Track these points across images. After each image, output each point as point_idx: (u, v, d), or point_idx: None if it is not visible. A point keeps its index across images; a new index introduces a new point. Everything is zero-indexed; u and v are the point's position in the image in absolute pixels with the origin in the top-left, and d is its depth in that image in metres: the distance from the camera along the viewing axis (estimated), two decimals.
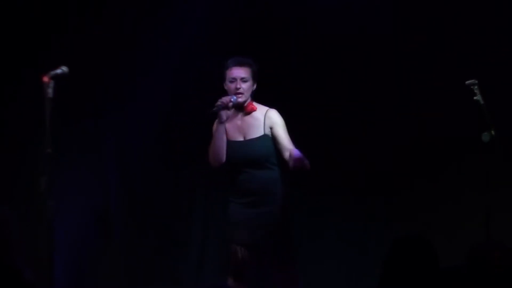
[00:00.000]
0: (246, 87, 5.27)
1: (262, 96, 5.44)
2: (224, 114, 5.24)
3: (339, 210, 6.70)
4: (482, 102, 5.27)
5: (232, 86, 5.28)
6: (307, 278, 6.54)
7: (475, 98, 5.28)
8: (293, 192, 5.66)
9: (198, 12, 6.82)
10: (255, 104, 5.37)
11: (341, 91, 6.70)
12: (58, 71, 4.85)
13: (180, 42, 6.81)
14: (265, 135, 5.30)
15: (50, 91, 4.76)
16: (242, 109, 5.33)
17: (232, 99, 5.22)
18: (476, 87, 5.28)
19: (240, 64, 5.30)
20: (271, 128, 5.29)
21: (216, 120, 5.28)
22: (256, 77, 5.33)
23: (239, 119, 5.35)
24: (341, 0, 6.69)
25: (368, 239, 6.65)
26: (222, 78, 5.35)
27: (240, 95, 5.26)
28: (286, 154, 5.21)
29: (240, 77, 5.28)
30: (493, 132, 5.23)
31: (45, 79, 4.77)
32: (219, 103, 5.18)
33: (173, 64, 6.82)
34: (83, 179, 6.77)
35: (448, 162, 6.59)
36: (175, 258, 6.89)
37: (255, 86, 5.35)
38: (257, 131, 5.30)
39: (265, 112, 5.33)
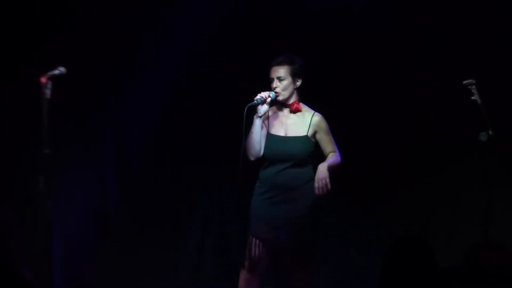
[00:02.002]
0: (283, 86, 5.35)
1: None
2: (262, 108, 5.31)
3: (338, 210, 6.68)
4: (479, 101, 5.27)
5: (272, 85, 5.38)
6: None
7: (472, 98, 5.28)
8: None
9: (198, 12, 6.83)
10: (301, 104, 5.43)
11: (341, 91, 6.71)
12: (56, 71, 4.86)
13: (180, 41, 6.84)
14: (307, 137, 5.37)
15: (48, 92, 4.77)
16: (287, 106, 5.41)
17: (270, 95, 5.31)
18: (473, 86, 5.28)
19: (278, 63, 5.39)
20: (315, 132, 5.37)
21: (255, 115, 5.34)
22: (299, 74, 5.39)
23: (284, 115, 5.44)
24: (341, 0, 6.71)
25: (367, 239, 6.65)
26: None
27: (277, 94, 5.35)
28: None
29: (277, 76, 5.37)
30: (491, 132, 5.23)
31: (43, 79, 4.78)
32: (258, 97, 5.29)
33: (173, 64, 6.83)
34: (82, 179, 6.78)
35: (446, 162, 6.60)
36: (174, 258, 6.89)
37: (298, 83, 5.40)
38: (301, 131, 5.38)
39: (312, 115, 5.41)
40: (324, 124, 5.41)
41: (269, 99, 5.31)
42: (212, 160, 6.81)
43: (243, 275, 5.40)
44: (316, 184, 5.19)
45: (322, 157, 5.43)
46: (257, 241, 5.33)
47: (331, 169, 5.29)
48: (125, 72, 6.81)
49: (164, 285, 6.79)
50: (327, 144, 5.39)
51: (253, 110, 5.31)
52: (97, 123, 6.86)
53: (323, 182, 5.18)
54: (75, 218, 6.69)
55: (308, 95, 6.56)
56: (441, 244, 4.45)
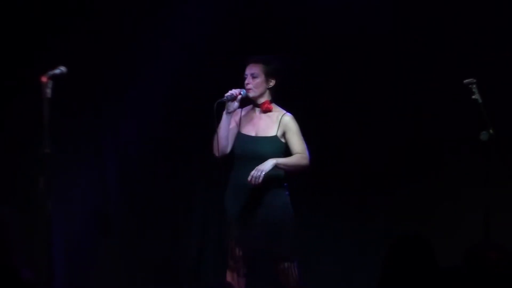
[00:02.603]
0: (255, 83, 5.37)
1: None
2: (231, 105, 5.33)
3: (337, 210, 6.69)
4: (480, 101, 5.25)
5: (245, 82, 5.39)
6: (306, 278, 6.56)
7: (473, 97, 5.26)
8: (291, 192, 5.64)
9: (198, 12, 6.82)
10: (273, 105, 5.43)
11: (339, 91, 6.70)
12: (57, 71, 4.85)
13: (180, 41, 6.81)
14: (276, 137, 5.37)
15: (48, 91, 4.77)
16: (259, 106, 5.43)
17: (241, 92, 5.34)
18: (474, 86, 5.26)
19: (254, 61, 5.42)
20: (284, 132, 5.36)
21: (224, 111, 5.35)
22: (272, 74, 5.41)
23: (255, 115, 5.45)
24: (341, 0, 6.69)
25: (366, 239, 6.62)
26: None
27: (249, 90, 5.35)
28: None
29: (250, 73, 5.40)
30: (491, 131, 5.21)
31: (44, 79, 4.77)
32: (228, 93, 5.30)
33: (173, 64, 6.81)
34: (82, 179, 6.76)
35: (446, 162, 6.58)
36: (174, 257, 6.88)
37: (271, 83, 5.41)
38: (270, 131, 5.38)
39: (281, 115, 5.40)
40: (293, 124, 5.39)
41: (239, 96, 5.34)
42: (212, 160, 6.71)
43: (228, 275, 5.42)
44: (252, 172, 5.16)
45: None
46: (235, 241, 5.36)
47: (286, 168, 5.28)
48: (125, 71, 6.80)
49: (164, 284, 6.78)
50: (294, 144, 5.36)
51: (222, 107, 5.35)
52: (97, 123, 6.85)
53: (258, 173, 5.14)
54: (75, 218, 6.67)
55: (307, 95, 6.59)
56: (441, 244, 4.40)
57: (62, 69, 4.87)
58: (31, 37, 6.58)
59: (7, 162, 6.58)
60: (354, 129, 6.70)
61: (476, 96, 5.25)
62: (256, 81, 5.37)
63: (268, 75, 5.40)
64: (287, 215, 5.37)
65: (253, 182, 5.16)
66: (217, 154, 5.38)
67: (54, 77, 4.81)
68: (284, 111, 5.44)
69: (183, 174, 6.93)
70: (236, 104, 5.35)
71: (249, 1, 6.80)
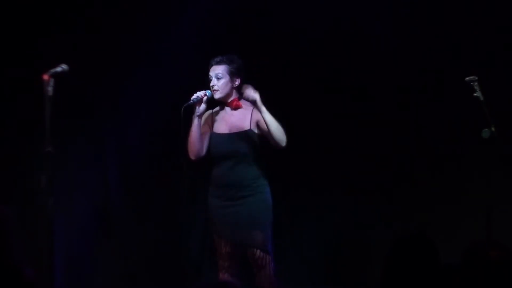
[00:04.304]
0: (221, 84, 5.40)
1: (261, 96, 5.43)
2: (199, 108, 5.39)
3: (338, 209, 6.69)
4: (482, 98, 5.25)
5: (210, 84, 5.42)
6: (309, 278, 6.55)
7: (475, 94, 5.26)
8: (292, 192, 5.65)
9: (198, 12, 6.84)
10: (242, 101, 5.46)
11: (341, 89, 6.70)
12: (58, 69, 4.89)
13: (184, 41, 6.85)
14: (250, 130, 5.41)
15: (50, 89, 4.80)
16: (228, 104, 5.46)
17: (207, 93, 5.39)
18: (476, 83, 5.26)
19: (217, 62, 5.46)
20: (258, 123, 5.38)
21: (193, 115, 5.40)
22: (236, 73, 5.44)
23: (226, 113, 5.49)
24: (340, 0, 6.69)
25: (368, 237, 6.62)
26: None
27: (215, 91, 5.40)
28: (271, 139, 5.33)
29: (215, 74, 5.43)
30: (493, 129, 5.21)
31: (45, 77, 4.80)
32: (194, 96, 5.36)
33: (175, 63, 6.83)
34: (84, 178, 6.80)
35: (448, 160, 6.55)
36: (175, 256, 6.89)
37: (237, 83, 5.44)
38: (243, 125, 5.42)
39: (252, 108, 5.41)
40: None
41: (205, 98, 5.38)
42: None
43: (221, 277, 5.44)
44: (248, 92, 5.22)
45: (270, 156, 5.42)
46: (220, 241, 5.41)
47: (267, 116, 5.24)
48: (128, 70, 6.82)
49: (165, 284, 6.80)
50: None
51: (192, 110, 5.36)
52: (99, 122, 6.87)
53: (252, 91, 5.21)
54: (77, 217, 6.70)
55: (308, 95, 6.59)
56: (443, 243, 4.41)
57: (63, 67, 4.91)
58: (32, 35, 6.60)
59: (8, 161, 6.60)
60: (355, 127, 6.68)
61: (477, 93, 5.26)
62: (221, 82, 5.41)
63: (232, 75, 5.43)
64: (264, 208, 5.38)
65: (246, 90, 5.22)
66: (192, 158, 5.44)
67: (55, 75, 4.84)
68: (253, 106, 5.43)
69: (184, 172, 6.89)
70: (203, 106, 5.40)
71: (248, 2, 6.84)
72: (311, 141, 6.65)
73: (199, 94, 5.36)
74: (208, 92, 5.39)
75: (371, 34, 6.69)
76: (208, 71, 5.46)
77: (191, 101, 5.34)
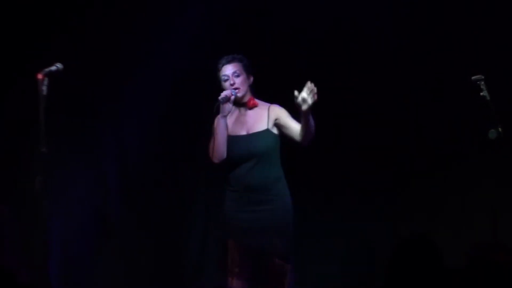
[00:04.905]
0: (240, 81, 5.26)
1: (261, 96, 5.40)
2: (226, 107, 5.20)
3: (343, 210, 6.66)
4: (488, 98, 5.16)
5: (226, 84, 5.27)
6: (312, 279, 6.52)
7: (481, 93, 5.17)
8: (295, 193, 5.56)
9: (197, 12, 6.83)
10: (256, 100, 5.32)
11: (345, 88, 6.67)
12: (53, 68, 4.82)
13: (182, 41, 6.83)
14: (268, 130, 5.24)
15: (44, 89, 4.73)
16: (244, 104, 5.31)
17: (232, 93, 5.21)
18: (482, 82, 5.16)
19: (229, 61, 5.31)
20: (276, 120, 5.24)
21: (218, 115, 5.21)
22: (249, 70, 5.33)
23: (242, 114, 5.32)
24: (340, 0, 6.68)
25: (372, 239, 6.60)
26: (218, 81, 5.32)
27: (237, 90, 5.24)
28: (298, 136, 5.14)
29: (232, 72, 5.28)
30: (500, 129, 5.12)
31: (40, 76, 4.73)
32: (222, 96, 5.17)
33: (174, 62, 6.81)
34: (81, 179, 6.74)
35: (454, 160, 6.50)
36: (175, 258, 6.86)
37: (251, 80, 5.32)
38: (261, 126, 5.25)
39: (268, 107, 5.29)
40: (282, 111, 5.26)
41: (232, 97, 5.21)
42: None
43: (231, 282, 5.27)
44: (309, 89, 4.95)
45: (289, 156, 5.31)
46: (236, 246, 5.23)
47: (310, 119, 5.05)
48: (126, 69, 6.78)
49: (164, 286, 6.77)
50: (293, 123, 5.19)
51: (218, 111, 5.20)
52: (97, 121, 6.82)
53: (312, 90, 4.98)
54: (73, 219, 6.64)
55: (324, 91, 6.55)
56: (448, 244, 4.38)
57: (58, 66, 4.83)
58: (27, 33, 6.55)
59: (2, 161, 6.54)
60: (360, 127, 6.66)
61: (484, 93, 5.16)
62: (240, 79, 5.27)
63: (247, 72, 5.32)
64: (287, 215, 5.23)
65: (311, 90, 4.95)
66: (216, 161, 5.24)
67: (50, 74, 4.77)
68: (269, 104, 5.32)
69: (183, 173, 6.91)
70: (230, 105, 5.22)
71: (248, 2, 6.81)
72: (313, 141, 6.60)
73: (227, 93, 5.19)
74: (233, 92, 5.21)
75: (371, 34, 6.67)
76: (217, 72, 5.30)
77: (220, 100, 5.15)
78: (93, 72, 6.65)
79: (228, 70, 5.27)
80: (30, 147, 5.04)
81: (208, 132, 5.27)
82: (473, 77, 5.20)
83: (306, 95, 4.91)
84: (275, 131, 5.24)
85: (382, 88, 6.64)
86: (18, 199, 6.27)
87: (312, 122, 5.05)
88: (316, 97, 4.90)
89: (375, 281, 6.21)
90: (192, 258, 6.88)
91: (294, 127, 5.16)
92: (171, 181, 6.89)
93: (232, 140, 5.24)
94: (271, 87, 5.61)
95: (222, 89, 5.24)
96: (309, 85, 4.93)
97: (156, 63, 6.81)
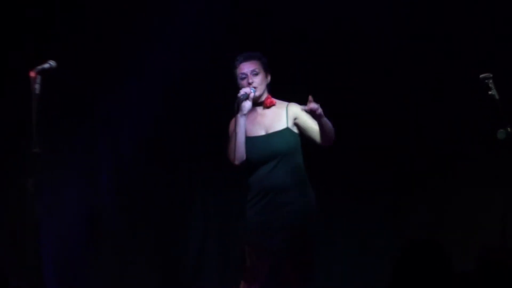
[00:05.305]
0: (258, 80, 5.11)
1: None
2: (246, 105, 5.05)
3: (348, 213, 6.63)
4: (497, 97, 5.07)
5: (244, 82, 5.11)
6: (317, 281, 6.45)
7: (490, 92, 5.07)
8: None
9: (194, 11, 6.77)
10: (273, 98, 5.19)
11: (343, 89, 6.61)
12: (46, 65, 4.72)
13: (177, 40, 6.77)
14: (288, 129, 5.09)
15: (37, 87, 4.63)
16: (261, 103, 5.16)
17: (252, 90, 5.05)
18: (491, 81, 5.07)
19: (247, 58, 5.15)
20: (295, 120, 5.09)
21: (237, 114, 5.05)
22: (267, 69, 5.18)
23: (259, 114, 5.16)
24: (340, 0, 6.66)
25: (378, 241, 6.56)
26: (233, 78, 5.18)
27: (256, 88, 5.09)
28: (318, 138, 5.04)
29: (251, 70, 5.12)
30: (509, 129, 5.02)
31: (32, 74, 4.64)
32: (242, 93, 5.02)
33: (169, 60, 6.75)
34: (74, 179, 6.69)
35: (462, 161, 6.47)
36: (174, 259, 6.85)
37: (268, 79, 5.19)
38: (280, 125, 5.10)
39: (286, 105, 5.15)
40: (301, 109, 5.11)
41: (252, 95, 5.06)
42: (212, 160, 6.69)
43: (243, 287, 5.16)
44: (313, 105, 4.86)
45: (312, 156, 5.21)
46: (254, 250, 5.08)
47: (325, 121, 4.94)
48: (122, 69, 6.73)
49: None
50: (312, 123, 5.05)
51: (237, 110, 5.05)
52: (91, 120, 6.76)
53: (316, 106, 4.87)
54: (66, 221, 6.59)
55: (314, 93, 6.46)
56: (456, 248, 4.31)
57: (51, 63, 4.74)
58: (19, 30, 6.50)
59: None
60: (360, 127, 6.60)
61: (493, 92, 5.07)
62: (259, 78, 5.12)
63: (266, 70, 5.18)
64: (311, 218, 5.08)
65: (312, 106, 4.83)
66: (237, 163, 5.08)
67: (43, 72, 4.68)
68: (287, 102, 5.18)
69: (181, 174, 6.87)
70: (250, 103, 5.05)
71: (248, 2, 6.78)
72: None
73: (246, 90, 5.03)
74: (252, 89, 5.06)
75: (371, 34, 6.64)
76: (233, 70, 5.15)
77: (240, 97, 4.99)
78: (88, 70, 6.61)
79: (246, 68, 5.11)
80: (22, 147, 4.99)
81: (225, 133, 5.16)
82: (481, 76, 5.10)
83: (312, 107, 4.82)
84: (295, 130, 5.09)
85: (382, 88, 6.61)
86: (10, 200, 6.24)
87: (328, 125, 4.93)
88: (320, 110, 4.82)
89: (376, 281, 6.21)
90: (191, 259, 6.83)
91: (314, 128, 5.03)
92: (168, 181, 6.83)
93: (251, 141, 5.08)
94: (271, 87, 5.43)
95: (238, 88, 5.09)
96: (311, 105, 4.82)
97: (155, 63, 6.76)
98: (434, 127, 6.57)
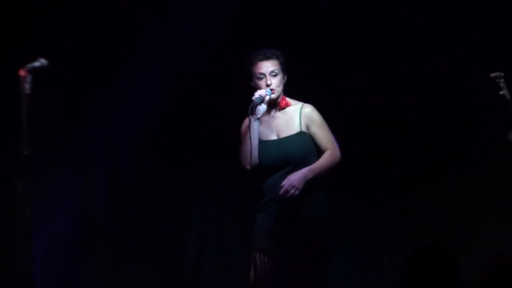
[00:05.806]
0: (277, 82, 4.92)
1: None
2: (261, 108, 4.89)
3: (356, 219, 6.59)
4: (508, 96, 4.95)
5: (261, 82, 4.93)
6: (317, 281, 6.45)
7: (501, 92, 4.95)
8: None
9: (194, 11, 6.73)
10: (288, 99, 5.02)
11: (344, 89, 6.58)
12: (36, 64, 4.58)
13: (173, 41, 6.72)
14: (301, 132, 4.93)
15: (27, 86, 4.51)
16: (275, 105, 4.99)
17: (267, 93, 4.87)
18: (502, 80, 4.95)
19: (267, 57, 4.94)
20: (308, 126, 4.94)
21: (251, 117, 4.88)
22: (285, 68, 4.99)
23: (271, 117, 5.00)
24: (340, 0, 6.63)
25: (386, 248, 6.52)
26: (248, 75, 5.00)
27: (272, 91, 4.90)
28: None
29: (270, 71, 4.93)
30: None
31: (22, 73, 4.52)
32: (257, 95, 4.84)
33: (166, 62, 6.70)
34: (66, 183, 6.62)
35: (471, 164, 6.42)
36: (173, 260, 6.81)
37: (285, 79, 5.00)
38: (293, 128, 4.94)
39: (300, 107, 4.97)
40: (316, 116, 4.96)
41: (267, 98, 4.88)
42: (212, 161, 6.72)
43: None
44: (285, 184, 4.74)
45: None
46: (261, 255, 4.92)
47: (318, 174, 4.84)
48: (119, 68, 6.67)
49: None
50: (321, 139, 4.93)
51: (251, 112, 4.91)
52: (84, 122, 6.71)
53: (293, 191, 4.74)
54: (58, 225, 6.53)
55: (314, 96, 6.39)
56: (466, 256, 4.24)
57: (42, 61, 4.60)
58: (10, 27, 6.43)
59: None
60: (362, 127, 6.58)
61: (504, 91, 4.95)
62: (278, 79, 4.93)
63: (284, 71, 4.99)
64: (323, 221, 4.93)
65: (287, 196, 4.74)
66: (248, 168, 4.94)
67: (33, 71, 4.55)
68: (302, 103, 5.01)
69: (175, 179, 6.83)
70: (264, 106, 4.89)
71: (247, 1, 6.73)
72: None
73: (261, 93, 4.85)
74: (268, 92, 4.87)
75: (371, 34, 6.60)
76: (250, 67, 4.96)
77: (255, 101, 4.81)
78: (85, 70, 6.55)
79: (265, 67, 4.91)
80: (12, 149, 4.80)
81: (225, 133, 5.08)
82: (492, 75, 4.98)
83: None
84: (308, 132, 4.94)
85: (384, 88, 6.60)
86: (1, 203, 6.17)
87: (327, 170, 4.87)
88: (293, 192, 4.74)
89: (377, 282, 6.24)
90: (191, 259, 6.79)
91: (320, 144, 4.92)
92: (168, 181, 6.79)
93: (264, 146, 4.93)
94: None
95: (253, 87, 4.94)
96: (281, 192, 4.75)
97: (148, 62, 6.71)
98: (437, 127, 6.54)
